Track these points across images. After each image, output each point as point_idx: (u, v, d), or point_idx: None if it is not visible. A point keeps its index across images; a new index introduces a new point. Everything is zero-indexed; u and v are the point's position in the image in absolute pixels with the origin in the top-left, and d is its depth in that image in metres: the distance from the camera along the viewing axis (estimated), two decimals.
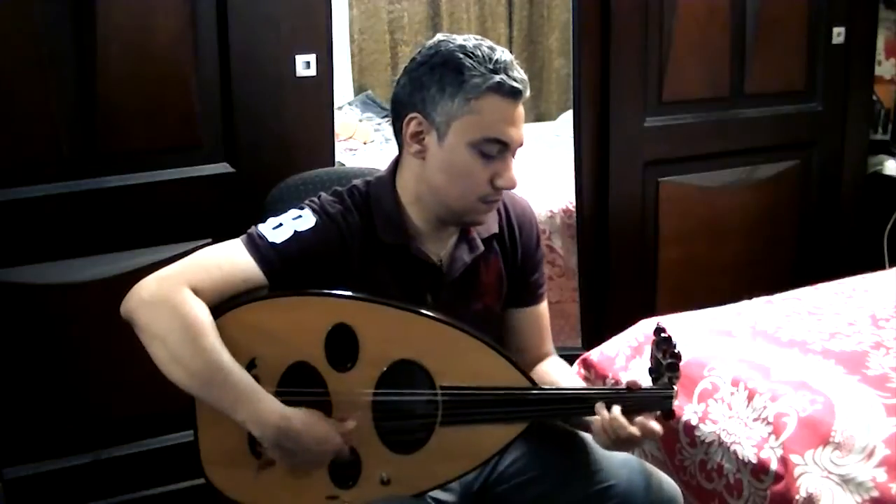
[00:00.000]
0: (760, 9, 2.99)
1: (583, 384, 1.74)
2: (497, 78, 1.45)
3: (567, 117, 3.68)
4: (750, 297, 2.37)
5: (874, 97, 3.31)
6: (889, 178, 3.29)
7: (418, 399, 1.48)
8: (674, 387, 1.52)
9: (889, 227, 3.26)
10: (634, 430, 1.45)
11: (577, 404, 1.55)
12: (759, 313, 2.25)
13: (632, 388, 1.50)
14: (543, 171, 3.57)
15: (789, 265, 3.24)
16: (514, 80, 1.46)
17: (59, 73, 2.21)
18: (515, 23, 4.69)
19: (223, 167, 2.42)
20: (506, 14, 4.66)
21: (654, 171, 2.98)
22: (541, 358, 1.71)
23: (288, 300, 1.45)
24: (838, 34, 3.13)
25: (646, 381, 1.55)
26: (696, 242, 3.07)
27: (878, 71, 3.30)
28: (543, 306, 1.74)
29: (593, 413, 1.50)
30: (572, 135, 2.92)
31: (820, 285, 2.46)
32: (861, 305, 2.27)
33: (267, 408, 1.38)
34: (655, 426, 1.47)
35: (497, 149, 1.47)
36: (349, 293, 1.46)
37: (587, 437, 1.62)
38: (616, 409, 1.46)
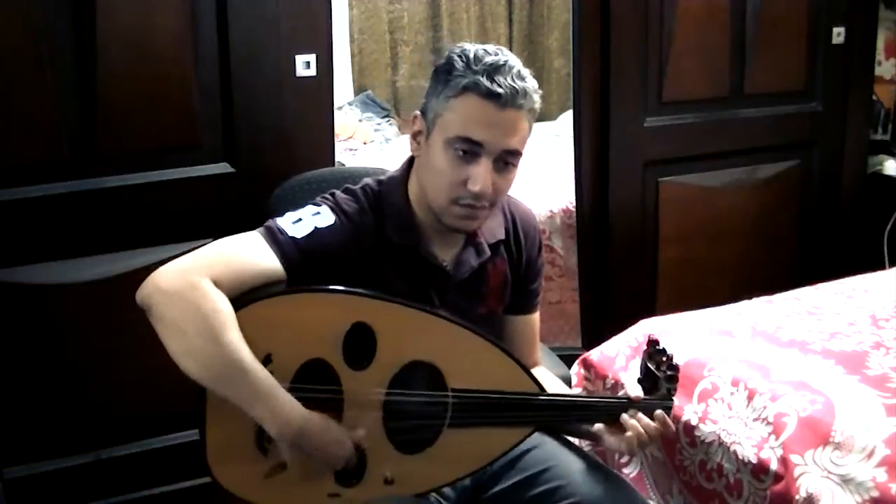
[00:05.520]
0: (760, 9, 2.99)
1: (571, 392, 1.77)
2: (475, 78, 1.44)
3: (567, 117, 3.68)
4: (750, 297, 2.37)
5: (874, 97, 3.31)
6: (889, 178, 3.29)
7: (429, 400, 1.48)
8: (673, 399, 1.57)
9: (889, 227, 3.25)
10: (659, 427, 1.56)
11: (581, 412, 1.59)
12: (759, 313, 2.24)
13: (633, 399, 1.55)
14: (543, 171, 3.56)
15: (789, 265, 3.24)
16: (498, 83, 1.43)
17: (59, 73, 2.21)
18: (515, 23, 4.69)
19: (223, 167, 2.42)
20: (506, 14, 4.66)
21: (654, 171, 2.98)
22: (530, 367, 1.71)
23: (308, 296, 1.44)
24: (838, 34, 3.13)
25: (637, 388, 1.60)
26: (696, 242, 3.07)
27: (878, 71, 3.30)
28: (537, 316, 1.76)
29: (596, 421, 1.56)
30: (572, 135, 2.92)
31: (820, 285, 2.46)
32: (861, 305, 2.27)
33: (286, 408, 1.37)
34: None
35: (470, 149, 1.46)
36: (371, 292, 1.46)
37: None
38: (643, 417, 1.53)
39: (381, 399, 1.46)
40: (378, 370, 1.45)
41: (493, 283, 1.64)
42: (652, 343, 1.59)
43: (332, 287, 1.45)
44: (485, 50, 1.48)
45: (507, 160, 1.49)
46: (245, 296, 1.41)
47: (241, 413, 1.38)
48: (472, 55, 1.46)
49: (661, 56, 2.90)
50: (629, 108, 2.89)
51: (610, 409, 1.56)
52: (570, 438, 1.71)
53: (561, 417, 1.59)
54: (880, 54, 3.29)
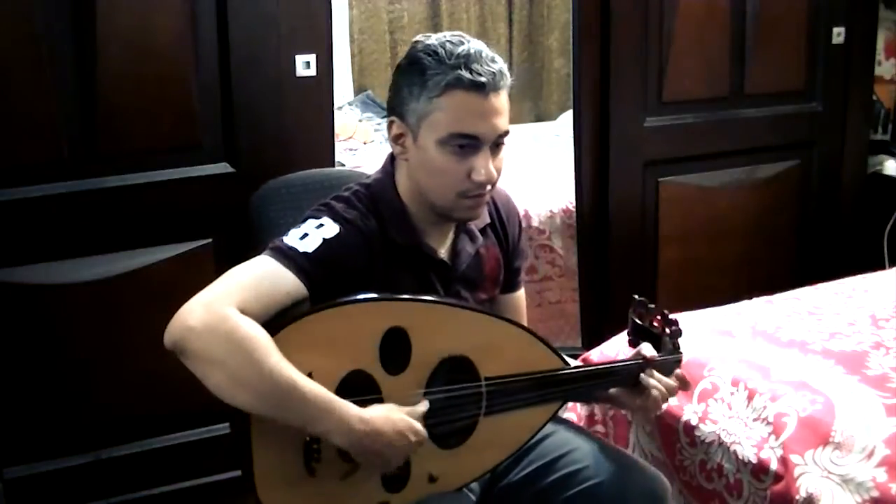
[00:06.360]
0: (760, 9, 2.99)
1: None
2: (455, 73, 1.44)
3: (567, 117, 3.68)
4: (750, 297, 2.37)
5: (874, 97, 3.31)
6: (889, 178, 3.29)
7: (464, 393, 1.50)
8: (681, 351, 1.69)
9: (889, 227, 3.25)
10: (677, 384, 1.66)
11: (604, 378, 1.64)
12: (759, 313, 2.24)
13: (649, 359, 1.63)
14: (543, 171, 3.56)
15: (789, 265, 3.24)
16: (477, 72, 1.44)
17: (59, 73, 2.21)
18: (515, 23, 4.69)
19: (223, 167, 2.42)
20: (506, 14, 4.67)
21: (654, 171, 2.98)
22: None
23: (338, 310, 1.42)
24: (838, 34, 3.13)
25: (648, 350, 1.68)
26: (696, 242, 3.07)
27: (878, 71, 3.30)
28: (522, 292, 1.80)
29: (617, 385, 1.64)
30: (572, 135, 2.92)
31: (820, 285, 2.46)
32: (861, 305, 2.27)
33: (348, 416, 1.36)
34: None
35: (467, 143, 1.47)
36: (398, 295, 1.46)
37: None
38: (659, 375, 1.63)
39: (421, 399, 1.46)
40: (415, 371, 1.46)
41: (489, 269, 1.67)
42: (641, 303, 1.67)
43: (360, 297, 1.44)
44: (449, 41, 1.48)
45: (499, 142, 1.51)
46: (274, 320, 1.39)
47: (286, 437, 1.37)
48: (440, 50, 1.46)
49: (661, 56, 2.91)
50: (629, 108, 2.89)
51: (630, 372, 1.63)
52: (579, 421, 1.72)
53: (587, 387, 1.64)
54: (880, 54, 3.29)
